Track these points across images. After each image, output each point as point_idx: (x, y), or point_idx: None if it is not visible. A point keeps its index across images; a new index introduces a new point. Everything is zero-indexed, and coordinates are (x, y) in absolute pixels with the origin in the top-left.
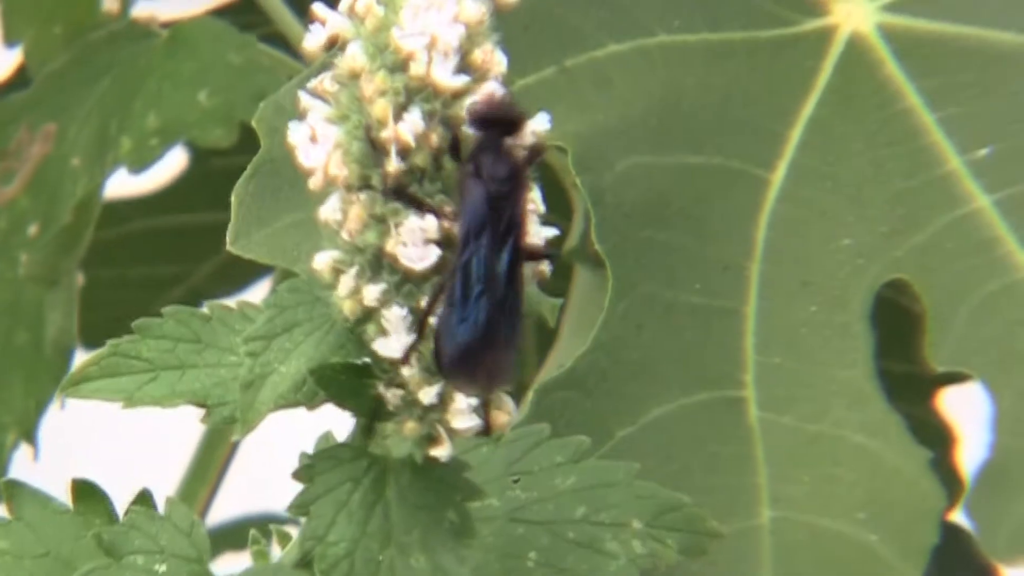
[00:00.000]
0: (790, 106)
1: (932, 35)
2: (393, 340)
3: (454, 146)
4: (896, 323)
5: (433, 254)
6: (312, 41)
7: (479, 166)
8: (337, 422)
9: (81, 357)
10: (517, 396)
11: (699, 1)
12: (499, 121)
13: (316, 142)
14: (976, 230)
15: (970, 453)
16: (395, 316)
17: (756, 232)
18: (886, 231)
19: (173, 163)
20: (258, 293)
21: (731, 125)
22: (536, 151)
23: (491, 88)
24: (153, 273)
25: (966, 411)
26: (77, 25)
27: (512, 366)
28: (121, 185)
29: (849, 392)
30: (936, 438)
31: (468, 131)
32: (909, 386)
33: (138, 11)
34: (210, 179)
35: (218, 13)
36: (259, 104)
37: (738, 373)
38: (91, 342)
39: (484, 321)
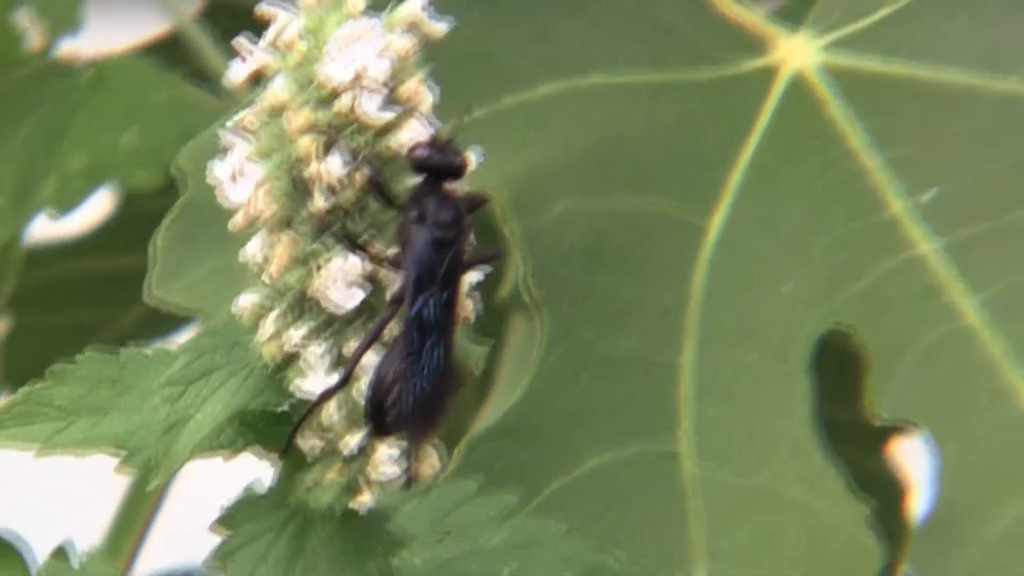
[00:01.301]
0: (730, 149)
1: (877, 75)
2: (311, 380)
3: (375, 184)
4: (845, 368)
5: (358, 296)
6: (235, 75)
7: (423, 211)
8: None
9: None
10: (451, 445)
11: (639, 40)
12: (441, 166)
13: (238, 180)
14: (920, 276)
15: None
16: (313, 355)
17: (694, 278)
18: (828, 277)
19: (99, 206)
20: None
21: (669, 168)
22: (479, 200)
23: (428, 129)
24: (80, 318)
25: (919, 460)
26: None
27: (450, 410)
28: (46, 228)
29: (787, 444)
30: (887, 488)
31: (395, 169)
32: (859, 434)
33: (63, 48)
34: (137, 222)
35: (143, 51)
36: (185, 144)
37: (674, 424)
38: (17, 389)
39: (440, 369)
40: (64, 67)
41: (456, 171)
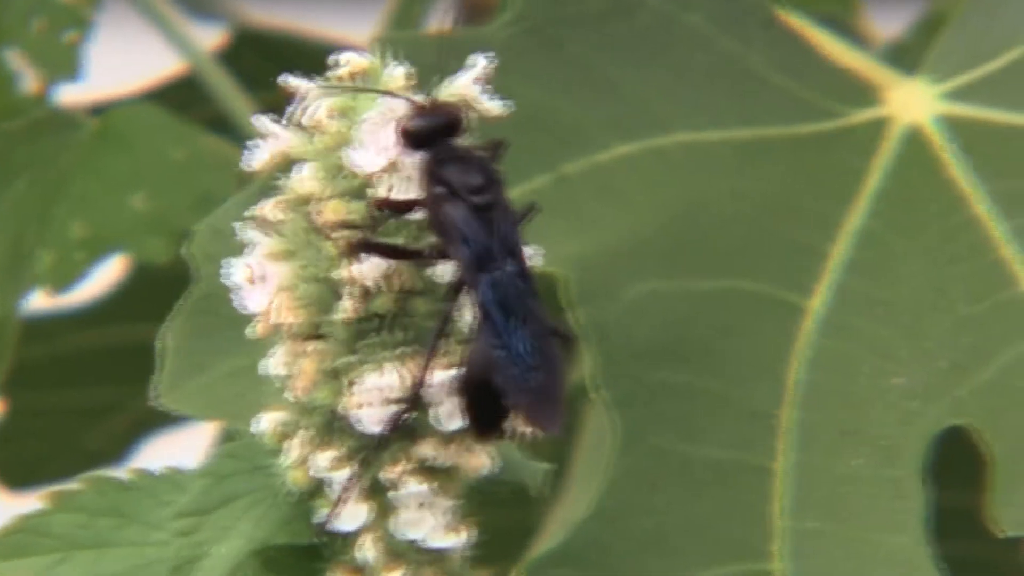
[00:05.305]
0: (834, 216)
1: (1003, 128)
2: (341, 512)
3: (387, 203)
4: (969, 447)
5: (395, 417)
6: (253, 160)
7: (449, 183)
8: None
9: (2, 500)
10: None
11: (727, 91)
12: (443, 127)
13: (258, 283)
14: None
15: None
16: (342, 481)
17: (790, 371)
18: (947, 366)
19: (110, 270)
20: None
21: (762, 242)
22: (497, 146)
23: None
24: (87, 398)
25: None
26: None
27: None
28: (48, 296)
29: (898, 562)
30: None
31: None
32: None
33: (64, 92)
34: (154, 287)
35: (155, 94)
36: (203, 209)
37: (767, 542)
38: (15, 481)
39: (533, 351)
40: (65, 116)
41: (457, 124)
